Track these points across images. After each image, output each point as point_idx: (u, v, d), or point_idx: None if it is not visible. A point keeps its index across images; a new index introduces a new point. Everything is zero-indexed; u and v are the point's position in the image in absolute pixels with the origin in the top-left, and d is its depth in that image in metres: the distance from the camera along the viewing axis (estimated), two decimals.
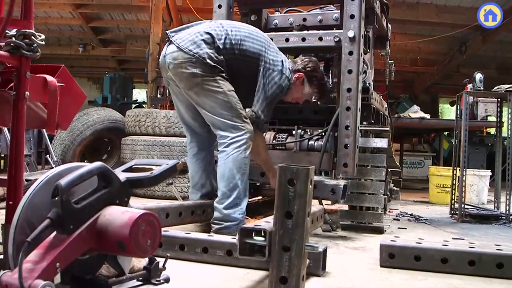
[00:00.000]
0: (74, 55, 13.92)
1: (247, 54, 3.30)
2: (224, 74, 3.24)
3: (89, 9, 11.63)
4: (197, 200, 3.54)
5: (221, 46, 3.22)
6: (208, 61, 3.17)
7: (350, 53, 3.56)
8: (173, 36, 3.32)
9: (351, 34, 3.54)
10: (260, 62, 3.33)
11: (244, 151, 3.21)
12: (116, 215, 1.48)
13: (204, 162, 3.53)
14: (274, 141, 3.93)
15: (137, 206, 2.12)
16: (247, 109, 3.35)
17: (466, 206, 4.87)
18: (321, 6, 4.39)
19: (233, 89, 3.27)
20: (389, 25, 4.83)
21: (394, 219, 4.56)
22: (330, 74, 4.23)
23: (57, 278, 1.40)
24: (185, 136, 5.69)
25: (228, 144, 3.21)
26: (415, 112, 8.60)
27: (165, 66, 3.33)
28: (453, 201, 5.07)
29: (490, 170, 6.20)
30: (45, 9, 11.49)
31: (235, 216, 3.16)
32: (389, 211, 4.77)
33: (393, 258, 2.66)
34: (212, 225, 3.26)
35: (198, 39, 3.22)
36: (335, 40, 3.65)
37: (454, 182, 5.10)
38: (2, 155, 5.46)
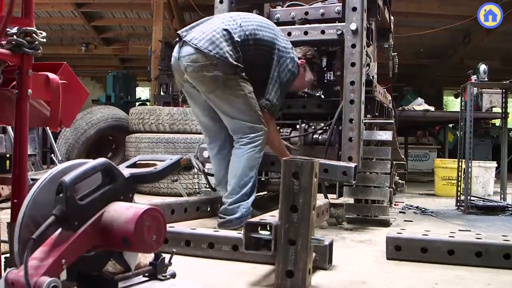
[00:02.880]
0: (77, 54, 13.92)
1: (262, 43, 3.32)
2: (244, 74, 3.24)
3: (90, 8, 11.62)
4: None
5: (238, 40, 3.21)
6: (230, 60, 3.13)
7: (353, 46, 3.55)
8: (185, 36, 3.22)
9: (353, 27, 3.53)
10: (273, 50, 3.36)
11: (259, 151, 3.29)
12: (121, 211, 1.48)
13: (226, 161, 3.50)
14: None
15: (142, 202, 2.12)
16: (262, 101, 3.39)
17: (472, 198, 4.86)
18: None
19: (252, 89, 3.29)
20: (392, 18, 4.81)
21: (400, 212, 4.55)
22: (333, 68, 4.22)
23: (63, 275, 1.40)
24: (189, 133, 5.79)
25: (247, 143, 3.27)
26: (420, 105, 8.57)
27: (180, 69, 3.23)
28: (459, 193, 5.05)
29: (495, 162, 6.17)
30: (46, 9, 11.49)
31: (238, 210, 3.21)
32: (395, 204, 4.75)
33: (399, 250, 2.65)
34: (218, 218, 3.34)
35: (215, 37, 3.14)
36: (338, 33, 3.63)
37: (459, 174, 5.08)
38: (8, 155, 5.46)
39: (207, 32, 3.18)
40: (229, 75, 3.16)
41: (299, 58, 3.58)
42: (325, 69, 4.20)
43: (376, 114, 4.16)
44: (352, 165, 3.38)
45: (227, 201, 3.26)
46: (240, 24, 3.28)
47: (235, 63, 3.16)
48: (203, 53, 3.11)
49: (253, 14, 3.70)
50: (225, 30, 3.19)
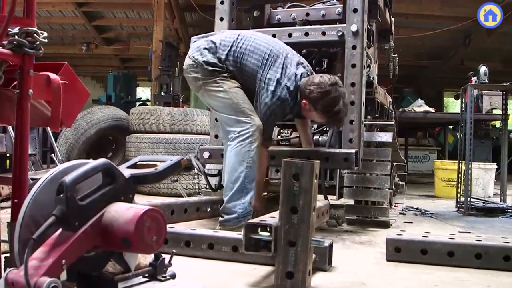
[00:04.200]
0: (78, 54, 13.93)
1: (246, 69, 3.32)
2: (225, 75, 3.30)
3: (91, 7, 11.63)
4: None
5: (223, 57, 3.31)
6: (206, 66, 3.30)
7: (354, 47, 3.55)
8: (192, 43, 3.52)
9: (354, 28, 3.53)
10: (256, 79, 3.30)
11: (248, 144, 3.23)
12: (121, 212, 1.48)
13: None
14: (278, 136, 3.92)
15: (142, 202, 2.12)
16: None
17: (472, 200, 4.86)
18: (324, 0, 4.37)
19: (236, 85, 3.31)
20: (393, 19, 4.81)
21: (400, 213, 4.55)
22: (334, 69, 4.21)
23: (63, 275, 1.40)
24: (189, 133, 5.81)
25: (234, 138, 3.26)
26: (420, 106, 8.58)
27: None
28: (459, 195, 5.05)
29: (495, 163, 6.17)
30: (47, 9, 11.50)
31: (235, 210, 3.19)
32: (395, 206, 4.75)
33: (399, 252, 2.66)
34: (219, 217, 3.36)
35: (202, 47, 3.37)
36: (338, 34, 3.63)
37: (459, 175, 5.08)
38: (8, 155, 5.46)
39: (201, 42, 3.44)
40: (207, 77, 3.32)
41: (305, 97, 3.24)
42: (325, 70, 4.20)
43: (377, 115, 4.16)
44: (353, 150, 3.39)
45: (224, 199, 3.28)
46: (235, 42, 3.34)
47: (212, 68, 3.29)
48: (189, 58, 3.41)
49: (262, 35, 3.50)
50: (214, 42, 3.37)
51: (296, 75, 3.27)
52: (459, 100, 5.73)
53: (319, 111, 3.26)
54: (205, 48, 3.35)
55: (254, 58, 3.29)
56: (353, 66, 3.54)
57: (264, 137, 3.33)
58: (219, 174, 3.84)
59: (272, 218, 2.16)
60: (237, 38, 3.36)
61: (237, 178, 3.22)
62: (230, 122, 3.30)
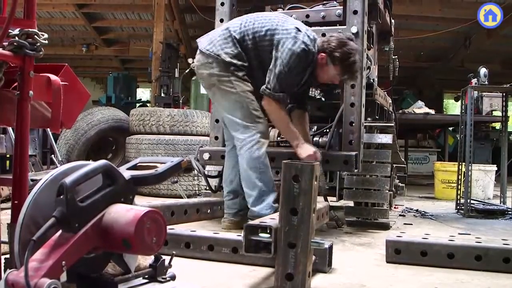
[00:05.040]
0: (78, 55, 13.94)
1: (260, 34, 3.28)
2: (240, 74, 3.28)
3: (91, 9, 11.64)
4: (226, 193, 3.57)
5: (237, 36, 3.28)
6: (223, 57, 3.25)
7: None
8: (199, 41, 3.46)
9: (354, 30, 3.53)
10: (273, 36, 3.25)
11: (256, 150, 3.26)
12: (121, 213, 1.48)
13: (235, 160, 3.52)
14: (278, 138, 3.92)
15: (142, 204, 2.12)
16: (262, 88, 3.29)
17: (472, 201, 4.86)
18: (324, 2, 4.37)
19: (248, 89, 3.30)
20: (393, 20, 4.81)
21: (400, 215, 4.55)
22: None
23: (63, 277, 1.40)
24: (189, 134, 5.81)
25: (241, 147, 3.30)
26: (420, 108, 8.57)
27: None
28: (458, 197, 5.05)
29: (495, 165, 6.17)
30: (48, 10, 11.51)
31: (262, 213, 3.17)
32: (395, 207, 4.76)
33: (399, 253, 2.66)
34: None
35: (214, 37, 3.34)
36: None
37: (459, 177, 5.08)
38: (8, 156, 5.46)
39: (211, 33, 3.41)
40: (222, 73, 3.28)
41: (321, 51, 3.29)
42: None
43: (377, 117, 4.16)
44: (353, 153, 3.39)
45: (248, 205, 3.33)
46: (242, 20, 3.38)
47: (228, 60, 3.25)
48: (202, 52, 3.35)
49: (266, 12, 3.65)
50: (226, 28, 3.35)
51: (310, 29, 3.39)
52: (459, 101, 5.73)
53: (336, 62, 3.26)
54: (218, 36, 3.32)
55: (267, 21, 3.32)
56: None
57: (277, 90, 3.19)
58: (219, 175, 3.84)
59: (272, 219, 2.16)
60: (243, 18, 3.41)
61: (254, 186, 3.27)
62: (236, 126, 3.31)
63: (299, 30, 3.24)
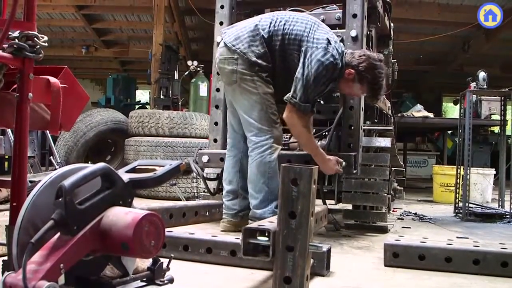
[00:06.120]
0: (77, 56, 13.93)
1: (290, 37, 3.22)
2: (264, 74, 3.25)
3: (91, 10, 11.63)
4: (225, 193, 3.57)
5: (265, 35, 3.23)
6: (249, 56, 3.21)
7: None
8: (224, 33, 3.40)
9: (353, 33, 3.54)
10: (302, 42, 3.19)
11: (268, 155, 3.25)
12: (120, 216, 1.48)
13: (234, 160, 3.53)
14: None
15: (141, 206, 2.12)
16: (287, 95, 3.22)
17: (470, 205, 4.86)
18: (324, 5, 4.38)
19: (270, 91, 3.28)
20: (392, 24, 4.82)
21: (398, 218, 4.55)
22: None
23: (61, 279, 1.40)
24: (188, 137, 5.80)
25: (253, 149, 3.29)
26: (419, 111, 8.59)
27: (215, 62, 3.43)
28: (457, 200, 5.05)
29: (494, 169, 6.18)
30: (48, 11, 11.50)
31: (265, 216, 3.16)
32: (393, 210, 4.76)
33: (397, 257, 2.66)
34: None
35: (242, 33, 3.27)
36: None
37: (458, 181, 5.09)
38: (7, 157, 5.47)
39: (239, 28, 3.34)
40: (246, 72, 3.23)
41: (351, 67, 3.22)
42: None
43: (376, 120, 4.17)
44: (352, 153, 3.39)
45: (251, 206, 3.33)
46: (272, 19, 3.29)
47: (254, 59, 3.20)
48: (227, 47, 3.28)
49: (297, 12, 3.53)
50: (255, 25, 3.28)
51: (338, 42, 3.29)
52: (458, 105, 5.74)
53: (364, 83, 3.22)
54: (246, 33, 3.24)
55: (297, 25, 3.24)
56: None
57: (302, 100, 3.13)
58: (218, 178, 3.84)
59: (270, 223, 2.16)
60: (273, 16, 3.33)
61: (260, 189, 3.27)
62: (250, 127, 3.29)
63: (329, 43, 3.15)
